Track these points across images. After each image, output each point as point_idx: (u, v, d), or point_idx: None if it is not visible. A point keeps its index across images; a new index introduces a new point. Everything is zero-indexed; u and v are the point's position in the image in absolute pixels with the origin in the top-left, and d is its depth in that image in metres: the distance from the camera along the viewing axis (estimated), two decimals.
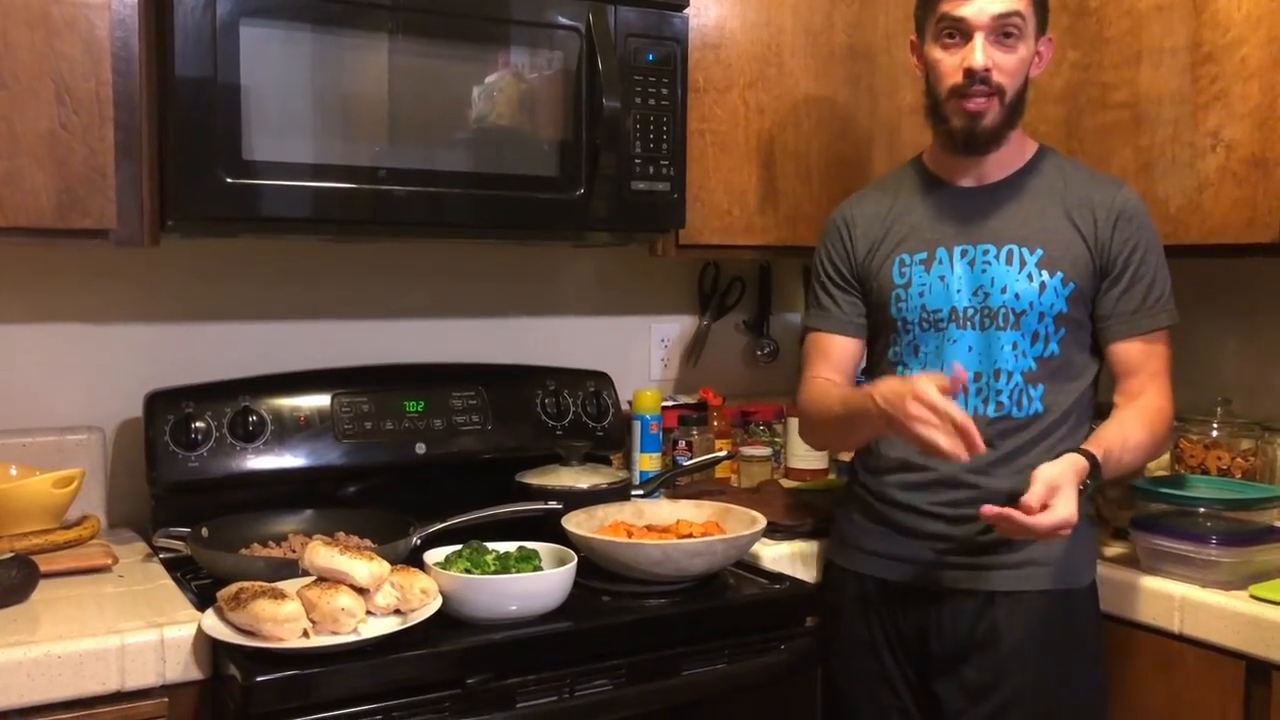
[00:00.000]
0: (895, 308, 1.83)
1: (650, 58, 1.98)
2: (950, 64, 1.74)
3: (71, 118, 1.64)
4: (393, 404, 2.07)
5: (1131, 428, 1.71)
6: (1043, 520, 1.53)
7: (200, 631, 1.49)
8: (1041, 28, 1.78)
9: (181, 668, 1.48)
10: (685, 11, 2.02)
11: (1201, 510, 1.86)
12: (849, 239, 1.90)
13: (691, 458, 2.33)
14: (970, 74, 1.71)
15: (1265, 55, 1.85)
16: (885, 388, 1.61)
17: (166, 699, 1.48)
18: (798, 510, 2.06)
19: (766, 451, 2.41)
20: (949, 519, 1.75)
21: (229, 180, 1.69)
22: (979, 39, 1.71)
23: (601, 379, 2.31)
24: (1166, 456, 2.19)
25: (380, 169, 1.80)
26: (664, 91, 2.00)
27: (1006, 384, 1.75)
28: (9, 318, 1.97)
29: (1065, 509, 1.54)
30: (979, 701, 1.73)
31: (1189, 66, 1.96)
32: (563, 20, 1.91)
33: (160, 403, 1.93)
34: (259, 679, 1.40)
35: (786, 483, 2.35)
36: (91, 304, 2.03)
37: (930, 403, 1.54)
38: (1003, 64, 1.72)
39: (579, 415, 2.24)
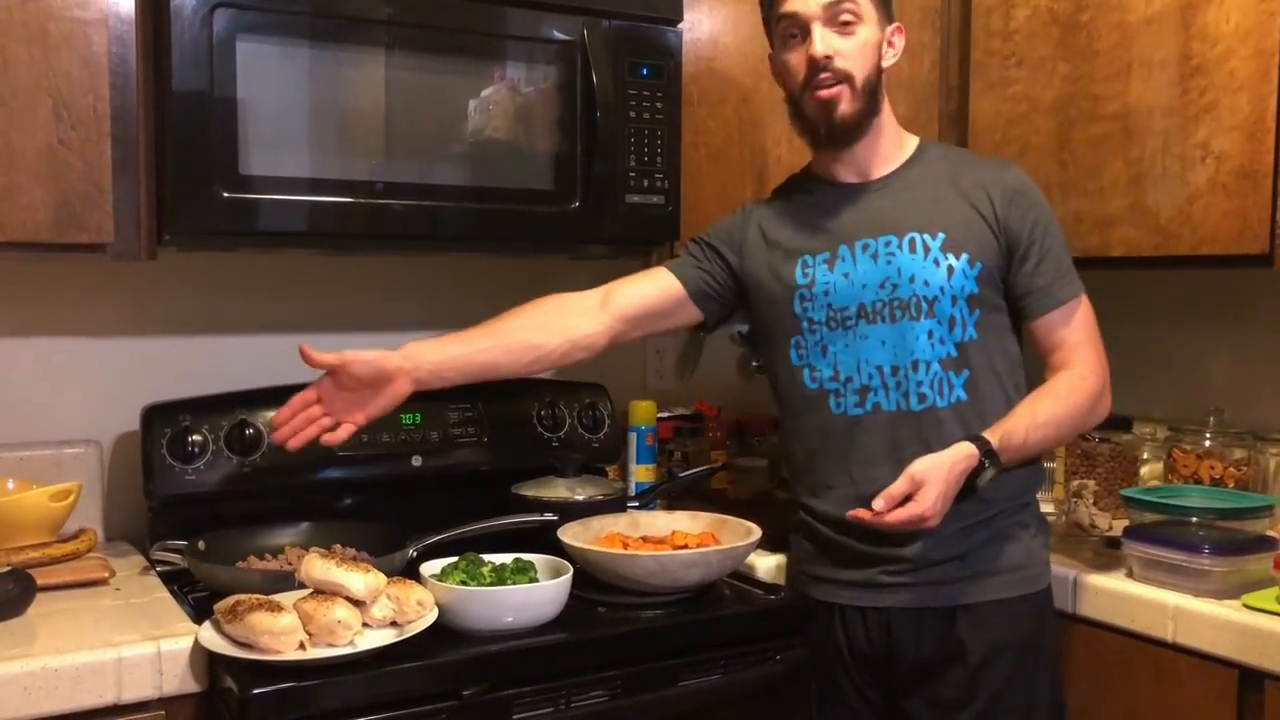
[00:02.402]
0: (800, 307, 1.79)
1: (644, 72, 1.99)
2: (796, 60, 1.76)
3: (69, 133, 1.65)
4: (389, 417, 2.05)
5: (1042, 403, 1.70)
6: (896, 515, 1.56)
7: (197, 644, 1.49)
8: (887, 17, 1.78)
9: (178, 680, 1.49)
10: (679, 26, 2.04)
11: (1194, 520, 1.87)
12: (742, 229, 1.88)
13: (687, 469, 2.34)
14: (814, 63, 1.73)
15: (1254, 68, 1.87)
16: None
17: (163, 712, 1.48)
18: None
19: (762, 463, 2.41)
20: (893, 539, 1.70)
21: (226, 194, 1.70)
22: (816, 30, 1.72)
23: (597, 391, 2.32)
24: (1160, 466, 2.20)
25: (377, 183, 1.81)
26: (658, 105, 2.01)
27: (926, 374, 1.72)
28: (6, 331, 1.98)
29: (920, 505, 1.55)
30: (952, 715, 1.73)
31: (1178, 79, 1.97)
32: (557, 35, 1.92)
33: (157, 416, 1.93)
34: (256, 691, 1.40)
35: (782, 494, 2.35)
36: (89, 318, 2.04)
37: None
38: (843, 49, 1.72)
39: (574, 427, 2.25)
